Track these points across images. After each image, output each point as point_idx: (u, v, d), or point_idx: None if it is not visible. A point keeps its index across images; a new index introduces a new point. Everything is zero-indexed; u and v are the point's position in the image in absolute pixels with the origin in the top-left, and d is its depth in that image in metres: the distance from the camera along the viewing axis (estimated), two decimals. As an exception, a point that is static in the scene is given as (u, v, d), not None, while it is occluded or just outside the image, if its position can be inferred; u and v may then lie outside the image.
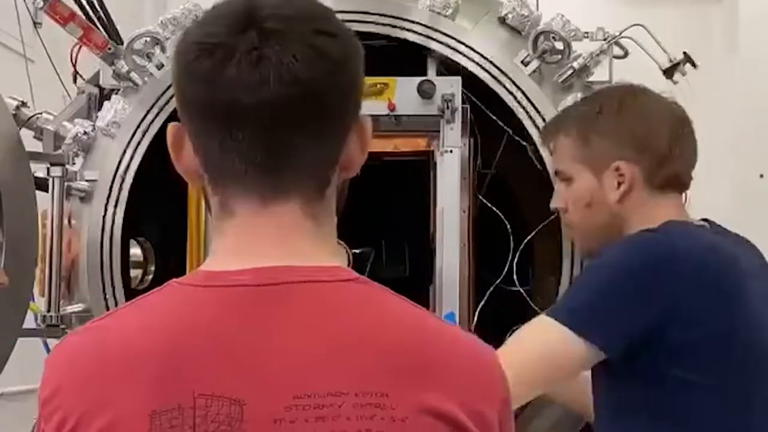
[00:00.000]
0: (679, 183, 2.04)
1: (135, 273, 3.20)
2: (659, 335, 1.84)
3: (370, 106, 2.62)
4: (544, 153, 2.36)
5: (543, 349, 1.90)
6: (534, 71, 2.89)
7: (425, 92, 2.62)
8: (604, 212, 2.03)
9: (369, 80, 2.64)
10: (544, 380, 1.96)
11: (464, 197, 2.87)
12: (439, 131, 2.70)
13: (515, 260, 2.93)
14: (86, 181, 2.98)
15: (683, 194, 2.08)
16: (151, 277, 3.28)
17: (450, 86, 2.67)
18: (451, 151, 2.71)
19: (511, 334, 2.95)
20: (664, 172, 2.00)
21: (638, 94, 2.11)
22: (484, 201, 2.98)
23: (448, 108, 2.65)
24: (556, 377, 1.98)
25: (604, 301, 1.87)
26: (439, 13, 2.92)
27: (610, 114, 2.04)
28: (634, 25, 2.95)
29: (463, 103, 2.86)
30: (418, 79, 2.65)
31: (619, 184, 2.00)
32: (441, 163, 2.77)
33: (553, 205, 2.19)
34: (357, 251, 2.96)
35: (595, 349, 1.85)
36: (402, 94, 2.62)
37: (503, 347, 1.87)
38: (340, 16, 3.17)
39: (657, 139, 2.00)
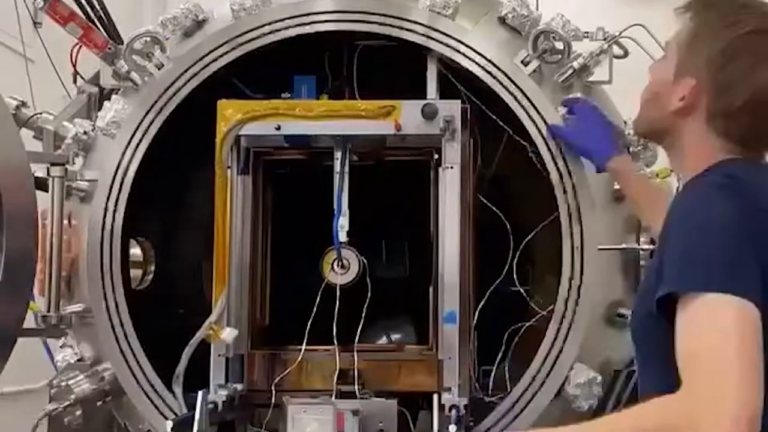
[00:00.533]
0: (742, 143, 1.84)
1: (135, 273, 3.19)
2: None
3: (379, 126, 2.79)
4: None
5: (732, 331, 1.57)
6: (534, 71, 2.89)
7: (428, 114, 2.79)
8: (661, 111, 1.90)
9: (377, 103, 2.80)
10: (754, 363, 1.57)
11: (464, 197, 2.88)
12: (440, 148, 2.83)
13: (515, 260, 2.93)
14: (86, 181, 2.98)
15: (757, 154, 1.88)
16: (151, 276, 3.28)
17: (450, 108, 2.82)
18: (451, 168, 2.82)
19: (511, 334, 2.97)
20: (725, 124, 1.83)
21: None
22: (484, 201, 2.98)
23: (448, 128, 2.79)
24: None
25: (725, 253, 1.63)
26: (439, 13, 2.92)
27: (727, 35, 1.84)
28: (634, 24, 2.94)
29: (463, 102, 2.87)
30: (422, 102, 2.82)
31: (682, 99, 1.86)
32: (442, 178, 2.85)
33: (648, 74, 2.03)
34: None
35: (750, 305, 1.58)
36: (407, 115, 2.81)
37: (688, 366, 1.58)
38: (340, 16, 3.16)
39: (735, 93, 1.81)
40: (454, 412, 2.69)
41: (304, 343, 2.88)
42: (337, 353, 2.85)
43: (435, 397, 2.74)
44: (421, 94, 2.91)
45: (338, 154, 2.90)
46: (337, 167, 2.89)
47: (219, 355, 2.83)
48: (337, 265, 2.89)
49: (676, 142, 1.91)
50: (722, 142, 1.84)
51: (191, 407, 2.82)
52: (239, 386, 2.90)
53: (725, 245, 1.63)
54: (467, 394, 2.81)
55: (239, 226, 2.94)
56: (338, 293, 2.87)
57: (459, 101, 2.85)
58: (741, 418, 1.50)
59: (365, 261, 2.93)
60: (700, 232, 1.65)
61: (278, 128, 2.83)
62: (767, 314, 1.59)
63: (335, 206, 2.85)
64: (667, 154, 2.03)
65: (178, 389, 2.84)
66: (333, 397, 2.84)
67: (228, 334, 2.80)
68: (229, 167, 2.87)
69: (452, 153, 2.82)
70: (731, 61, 1.82)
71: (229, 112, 2.84)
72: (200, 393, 2.72)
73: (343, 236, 2.84)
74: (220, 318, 2.82)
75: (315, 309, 2.86)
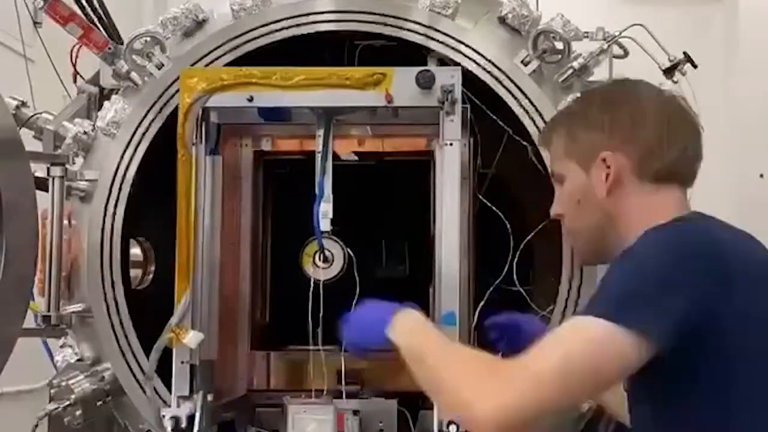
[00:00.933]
0: (675, 176, 1.92)
1: (135, 273, 3.20)
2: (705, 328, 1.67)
3: (367, 97, 2.53)
4: (545, 154, 2.27)
5: (587, 347, 1.64)
6: (534, 71, 2.89)
7: (424, 83, 2.52)
8: (596, 209, 1.93)
9: (366, 70, 2.53)
10: (593, 385, 1.69)
11: (464, 197, 2.87)
12: (438, 124, 2.60)
13: (515, 260, 2.93)
14: (86, 180, 2.98)
15: (685, 190, 1.95)
16: (151, 276, 3.28)
17: (450, 77, 2.55)
18: (451, 144, 2.56)
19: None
20: (655, 163, 1.89)
21: (628, 85, 2.03)
22: (484, 201, 2.98)
23: (447, 99, 2.53)
24: (605, 379, 1.69)
25: (641, 286, 1.68)
26: (439, 13, 2.92)
27: (596, 106, 1.98)
28: (634, 24, 2.95)
29: (464, 102, 2.86)
30: (416, 69, 2.55)
31: (607, 176, 1.90)
32: (441, 156, 2.63)
33: (552, 212, 2.08)
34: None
35: (641, 339, 1.62)
36: (400, 85, 2.52)
37: (538, 353, 1.67)
38: (340, 16, 3.13)
39: (644, 129, 1.90)
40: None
41: (310, 343, 2.87)
42: (342, 354, 2.85)
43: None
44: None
45: (320, 131, 2.58)
46: (319, 146, 2.58)
47: (182, 363, 2.55)
48: (319, 258, 2.66)
49: (620, 228, 1.91)
50: (656, 187, 1.89)
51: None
52: (210, 396, 2.64)
53: (638, 282, 1.67)
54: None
55: (208, 214, 2.64)
56: (321, 290, 2.67)
57: (459, 67, 2.69)
58: (501, 416, 1.59)
59: (351, 253, 2.73)
60: (624, 271, 1.72)
61: (251, 99, 2.51)
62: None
63: (317, 190, 2.53)
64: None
65: (149, 390, 2.66)
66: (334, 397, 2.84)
67: (191, 338, 2.53)
68: (194, 144, 2.56)
69: (452, 128, 2.54)
70: (616, 112, 1.93)
71: (193, 80, 2.56)
72: (199, 394, 2.69)
73: (326, 225, 2.53)
74: (184, 319, 2.57)
75: (310, 308, 2.84)
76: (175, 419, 2.49)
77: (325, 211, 2.48)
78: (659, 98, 1.97)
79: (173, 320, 2.53)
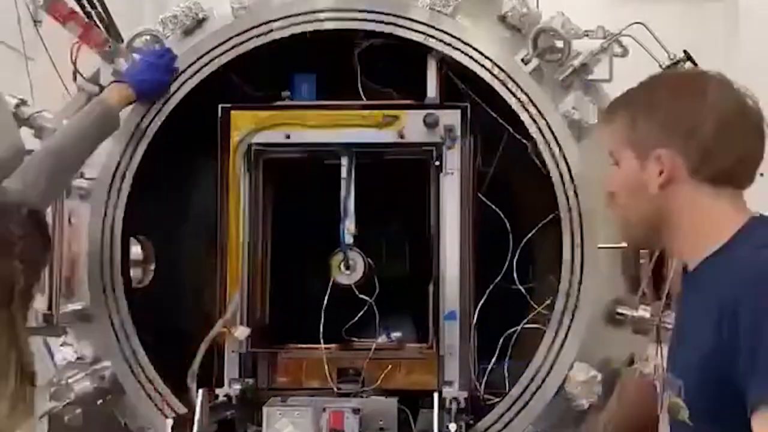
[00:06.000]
0: (732, 179, 1.85)
1: (135, 271, 3.19)
2: None
3: (383, 135, 2.92)
4: (605, 130, 2.01)
5: None
6: (534, 70, 2.89)
7: (430, 123, 2.91)
8: (648, 202, 1.87)
9: (382, 113, 2.91)
10: None
11: (465, 196, 2.89)
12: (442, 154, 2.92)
13: (515, 258, 2.93)
14: (86, 179, 2.98)
15: (740, 192, 1.89)
16: (151, 275, 3.28)
17: (451, 117, 2.92)
18: (452, 174, 2.91)
19: (511, 332, 2.98)
20: (712, 166, 1.82)
21: (698, 78, 1.94)
22: (485, 200, 2.98)
23: (449, 136, 2.90)
24: None
25: None
26: (439, 12, 2.92)
27: (661, 98, 1.88)
28: (635, 23, 2.94)
29: (464, 101, 2.87)
30: (424, 113, 2.92)
31: (660, 173, 1.83)
32: (443, 183, 2.92)
33: (605, 187, 1.98)
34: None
35: None
36: (410, 124, 2.93)
37: None
38: (340, 15, 3.14)
39: (704, 128, 1.81)
40: (454, 405, 2.71)
41: (321, 343, 2.90)
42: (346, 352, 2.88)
43: (435, 395, 2.74)
44: (423, 91, 2.92)
45: (345, 161, 2.96)
46: (344, 173, 2.95)
47: (233, 352, 2.95)
48: (344, 266, 2.96)
49: (671, 224, 1.87)
50: (712, 189, 1.83)
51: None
52: (250, 381, 3.01)
53: None
54: (467, 389, 2.82)
55: (247, 225, 3.01)
56: (347, 293, 2.90)
57: (459, 110, 2.91)
58: None
59: (371, 262, 2.98)
60: None
61: (288, 137, 2.94)
62: None
63: (342, 210, 2.92)
64: (666, 247, 2.01)
65: (193, 385, 2.81)
66: (330, 396, 2.85)
67: (241, 332, 2.90)
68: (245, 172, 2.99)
69: (452, 159, 2.91)
70: (679, 108, 1.84)
71: (242, 119, 2.92)
72: (200, 391, 2.71)
73: (349, 239, 2.94)
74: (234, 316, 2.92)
75: (323, 308, 2.89)
76: (228, 397, 2.94)
77: (348, 228, 2.93)
78: (727, 96, 1.86)
79: (227, 316, 2.89)
